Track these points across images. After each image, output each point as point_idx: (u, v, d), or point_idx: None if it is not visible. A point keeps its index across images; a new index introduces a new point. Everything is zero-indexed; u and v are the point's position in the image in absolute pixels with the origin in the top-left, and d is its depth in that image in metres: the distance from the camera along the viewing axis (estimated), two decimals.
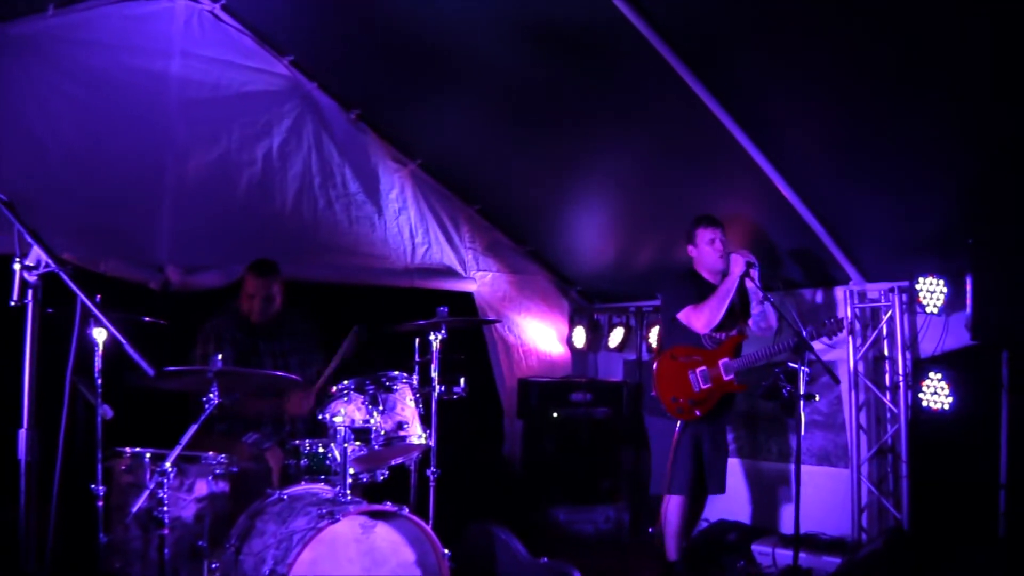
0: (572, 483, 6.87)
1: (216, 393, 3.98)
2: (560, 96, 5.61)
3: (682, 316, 5.33)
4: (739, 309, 5.45)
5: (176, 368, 3.91)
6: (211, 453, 4.23)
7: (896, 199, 5.36)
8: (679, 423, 5.22)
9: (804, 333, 4.94)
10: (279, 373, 4.45)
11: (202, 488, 4.15)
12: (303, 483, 4.36)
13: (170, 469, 3.90)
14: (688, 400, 5.24)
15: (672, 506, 5.30)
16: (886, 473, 6.04)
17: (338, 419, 4.33)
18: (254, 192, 6.15)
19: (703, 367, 5.31)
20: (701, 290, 5.36)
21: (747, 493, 6.68)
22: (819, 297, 6.39)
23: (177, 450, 3.91)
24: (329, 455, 4.40)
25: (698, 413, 5.25)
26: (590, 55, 5.13)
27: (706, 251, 5.45)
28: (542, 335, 7.81)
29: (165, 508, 3.87)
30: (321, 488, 4.31)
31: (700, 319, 5.26)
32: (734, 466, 6.62)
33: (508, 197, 7.15)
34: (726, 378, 5.30)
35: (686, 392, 5.26)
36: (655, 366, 5.38)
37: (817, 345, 5.71)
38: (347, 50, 5.99)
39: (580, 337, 7.90)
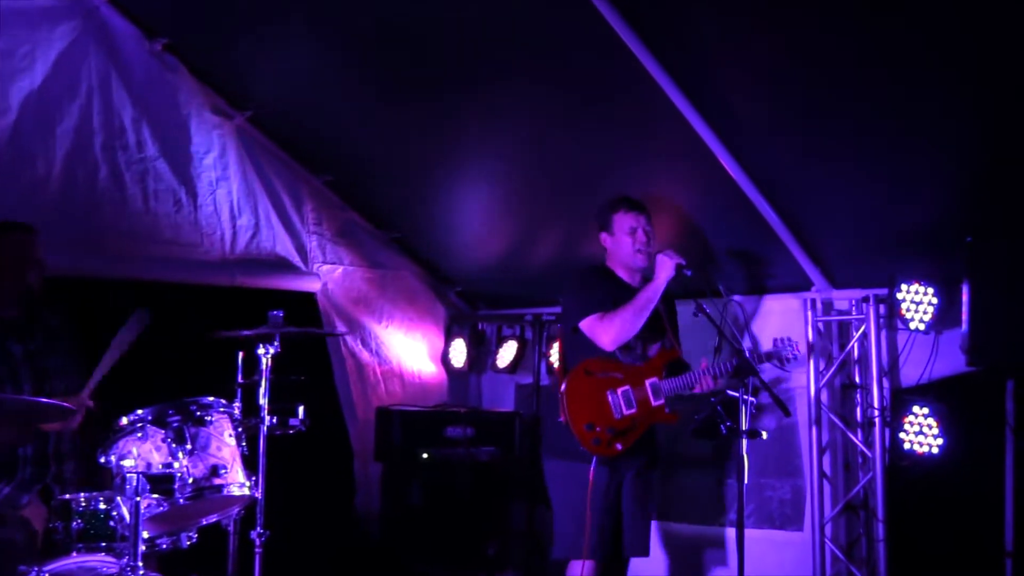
0: (447, 547, 6.79)
1: None
2: (443, 34, 5.51)
3: (585, 326, 5.27)
4: (666, 321, 5.40)
5: None
6: None
7: (874, 183, 5.40)
8: (593, 460, 5.10)
9: (747, 353, 4.98)
10: (50, 400, 4.25)
11: None
12: (75, 554, 4.10)
13: None
14: (608, 429, 5.15)
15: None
16: (857, 535, 6.08)
17: (128, 463, 4.10)
18: (4, 154, 5.80)
19: (626, 387, 5.23)
20: (613, 292, 5.29)
21: (667, 563, 6.67)
22: (771, 308, 6.41)
23: None
24: (114, 513, 4.17)
25: (619, 447, 5.16)
26: None
27: (625, 243, 5.38)
28: (408, 350, 7.76)
29: None
30: (101, 560, 4.07)
31: (608, 332, 5.20)
32: (655, 528, 6.53)
33: (369, 167, 7.05)
34: (655, 403, 5.22)
35: (605, 419, 5.16)
36: (564, 384, 5.27)
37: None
38: None
39: (459, 353, 7.87)
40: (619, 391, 5.18)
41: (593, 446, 5.10)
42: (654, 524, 6.54)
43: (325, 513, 6.83)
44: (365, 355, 7.44)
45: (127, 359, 4.80)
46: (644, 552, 5.39)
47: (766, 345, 6.16)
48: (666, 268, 5.15)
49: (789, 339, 5.22)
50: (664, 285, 5.17)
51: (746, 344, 6.18)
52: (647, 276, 5.30)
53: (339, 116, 6.55)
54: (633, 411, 5.17)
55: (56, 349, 5.00)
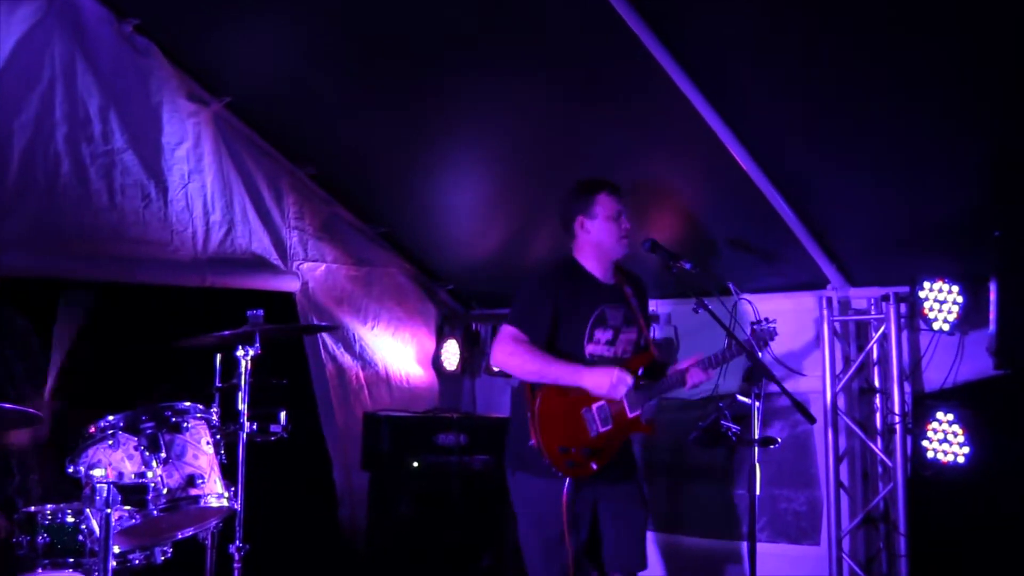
0: (438, 560, 6.76)
1: None
2: (438, 21, 5.49)
3: (503, 330, 5.06)
4: (640, 316, 5.26)
5: None
6: None
7: (894, 175, 5.39)
8: (567, 482, 4.95)
9: (759, 352, 4.91)
10: (14, 407, 4.14)
11: None
12: (40, 570, 4.11)
13: None
14: (583, 450, 4.99)
15: None
16: (877, 550, 6.08)
17: (98, 472, 4.09)
18: None
19: (601, 402, 5.07)
20: (569, 290, 5.08)
21: None
22: (785, 307, 6.25)
23: None
24: (82, 527, 4.17)
25: (594, 467, 5.03)
26: None
27: (609, 228, 5.16)
28: (396, 353, 7.77)
29: None
30: None
31: (504, 355, 4.98)
32: (652, 542, 6.61)
33: (356, 157, 7.05)
34: (631, 415, 5.07)
35: (580, 439, 5.01)
36: (536, 403, 5.05)
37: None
38: None
39: (451, 355, 7.89)
40: (594, 407, 5.02)
41: (568, 468, 4.92)
42: (655, 537, 6.61)
43: (309, 525, 6.87)
44: (347, 359, 7.41)
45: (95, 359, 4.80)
46: (641, 565, 5.20)
47: (780, 348, 6.13)
48: (610, 389, 4.90)
49: (766, 320, 5.10)
50: (595, 393, 4.94)
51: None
52: (618, 267, 5.15)
53: (325, 103, 6.52)
54: (609, 427, 5.02)
55: (22, 353, 5.03)
